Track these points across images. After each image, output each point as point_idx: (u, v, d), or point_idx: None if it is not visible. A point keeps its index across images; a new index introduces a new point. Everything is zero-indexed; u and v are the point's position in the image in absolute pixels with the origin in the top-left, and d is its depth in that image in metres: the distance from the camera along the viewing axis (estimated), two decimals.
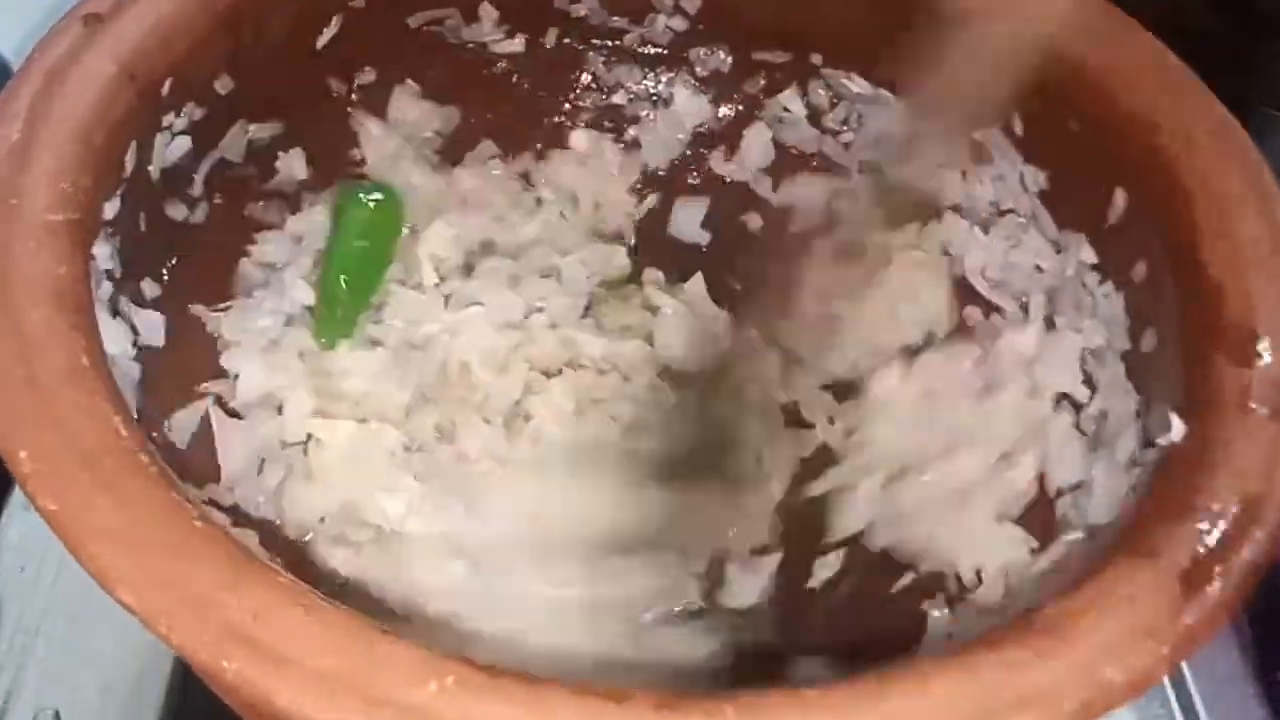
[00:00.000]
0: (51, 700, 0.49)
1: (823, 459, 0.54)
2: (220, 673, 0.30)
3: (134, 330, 0.45)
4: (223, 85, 0.48)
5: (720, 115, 0.61)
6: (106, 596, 0.30)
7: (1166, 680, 0.53)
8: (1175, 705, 0.52)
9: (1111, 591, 0.33)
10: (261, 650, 0.30)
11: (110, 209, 0.42)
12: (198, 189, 0.50)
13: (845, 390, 0.55)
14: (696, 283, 0.59)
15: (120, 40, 0.43)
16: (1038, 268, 0.52)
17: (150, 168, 0.45)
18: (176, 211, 0.49)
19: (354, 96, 0.57)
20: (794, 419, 0.56)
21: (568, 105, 0.62)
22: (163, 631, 0.30)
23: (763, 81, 0.60)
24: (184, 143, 0.47)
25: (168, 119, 0.46)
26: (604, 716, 0.29)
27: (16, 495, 0.55)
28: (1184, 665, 0.53)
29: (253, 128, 0.52)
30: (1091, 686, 0.31)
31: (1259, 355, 0.38)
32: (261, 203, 0.54)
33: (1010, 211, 0.53)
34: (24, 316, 0.35)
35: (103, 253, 0.41)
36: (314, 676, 0.29)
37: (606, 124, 0.62)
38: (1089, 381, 0.48)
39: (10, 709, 0.49)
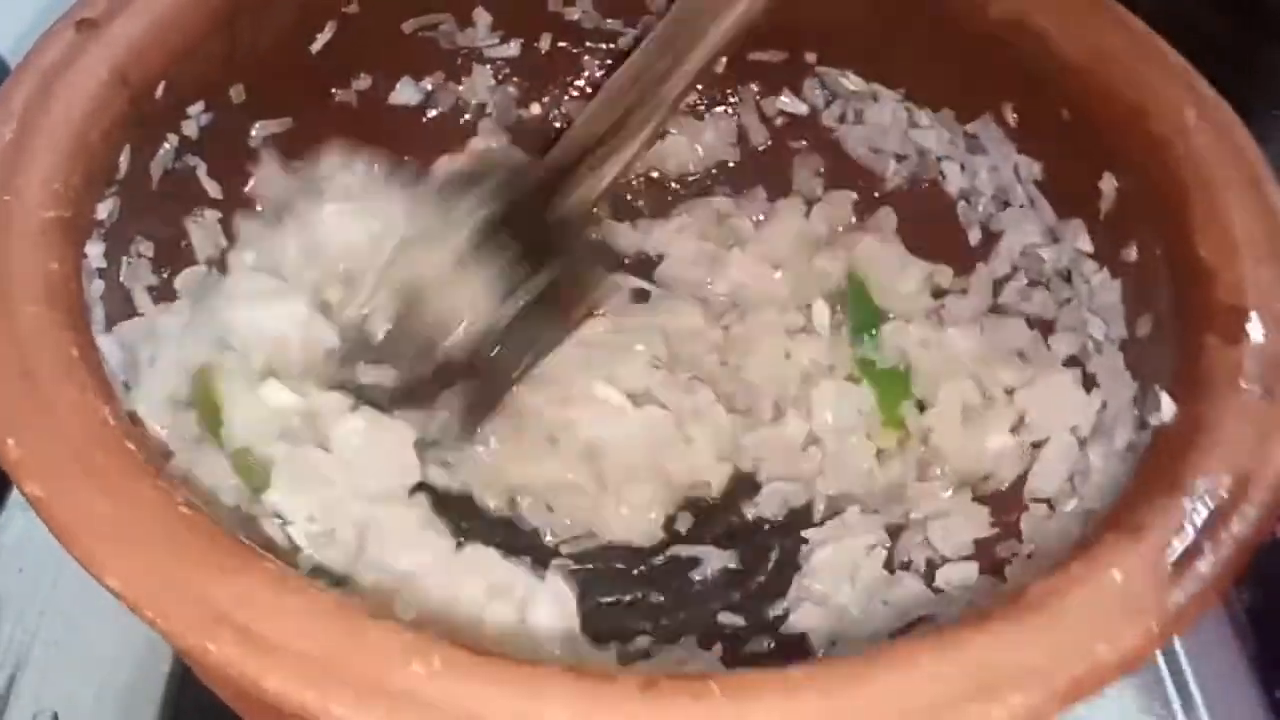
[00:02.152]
0: (50, 701, 0.49)
1: None
2: (206, 657, 0.30)
3: None
4: (215, 89, 0.49)
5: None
6: (104, 598, 0.31)
7: (1169, 680, 0.52)
8: (1178, 706, 0.52)
9: (1100, 569, 0.32)
10: (248, 635, 0.30)
11: (103, 209, 0.42)
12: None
13: None
14: None
15: (113, 45, 0.43)
16: (1039, 258, 0.52)
17: (150, 170, 0.46)
18: None
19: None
20: None
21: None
22: (149, 617, 0.30)
23: (757, 83, 0.60)
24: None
25: (168, 124, 0.46)
26: (591, 696, 0.29)
27: (15, 497, 0.55)
28: (1185, 665, 0.52)
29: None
30: (1082, 663, 0.31)
31: (1248, 335, 0.38)
32: None
33: (1007, 204, 0.53)
34: (16, 311, 0.36)
35: (95, 251, 0.41)
36: (301, 660, 0.29)
37: None
38: (1087, 382, 0.47)
39: (9, 710, 0.49)
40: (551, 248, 0.50)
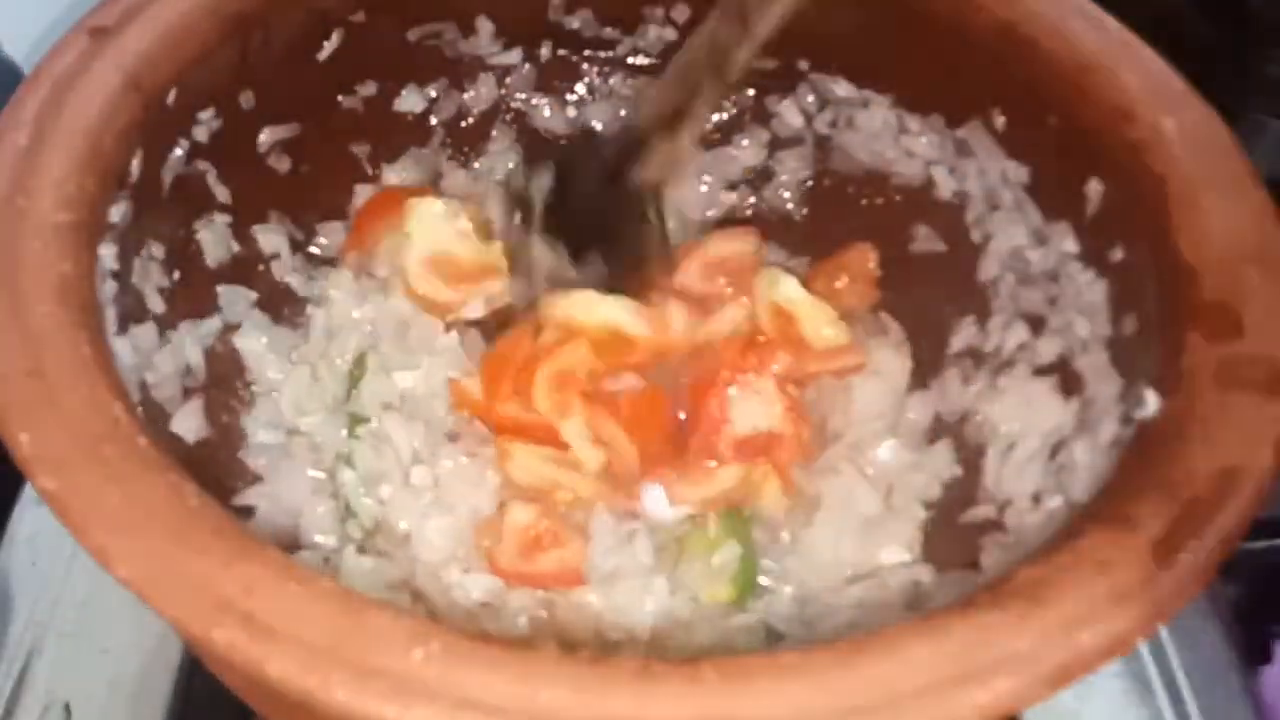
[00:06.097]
0: (61, 692, 0.50)
1: None
2: (212, 645, 0.30)
3: None
4: (225, 95, 0.50)
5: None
6: (115, 590, 0.31)
7: (1155, 672, 0.53)
8: (1162, 694, 0.53)
9: (1086, 558, 0.33)
10: (253, 622, 0.31)
11: (115, 212, 0.43)
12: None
13: None
14: None
15: (125, 51, 0.44)
16: (1025, 260, 0.52)
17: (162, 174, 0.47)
18: None
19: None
20: None
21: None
22: (157, 606, 0.31)
23: (752, 90, 0.61)
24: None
25: (178, 129, 0.48)
26: (586, 682, 0.30)
27: (28, 492, 0.56)
28: (1170, 653, 0.53)
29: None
30: (1067, 650, 0.31)
31: (1236, 333, 0.39)
32: None
33: (998, 207, 0.54)
34: (30, 311, 0.37)
35: (108, 254, 0.42)
36: (304, 646, 0.30)
37: None
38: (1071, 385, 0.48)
39: (21, 700, 0.50)
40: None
